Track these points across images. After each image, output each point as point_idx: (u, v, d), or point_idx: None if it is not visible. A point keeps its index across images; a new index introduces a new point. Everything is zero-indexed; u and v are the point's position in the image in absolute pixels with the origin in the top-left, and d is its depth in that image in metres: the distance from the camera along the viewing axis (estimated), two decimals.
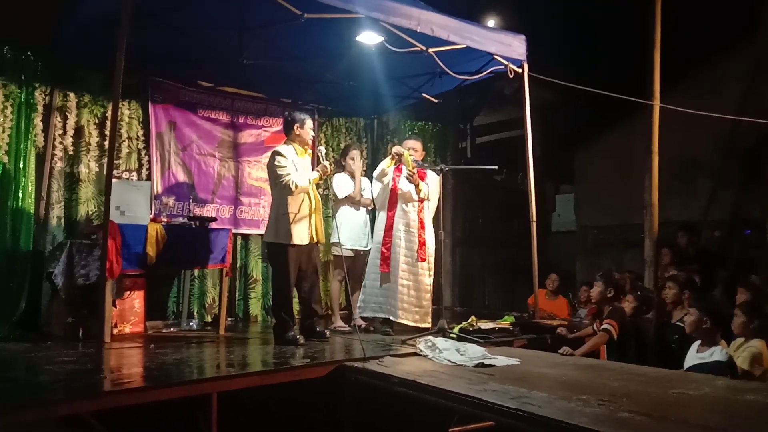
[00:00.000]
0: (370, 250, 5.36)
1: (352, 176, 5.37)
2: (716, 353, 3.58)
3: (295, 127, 4.53)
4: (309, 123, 4.58)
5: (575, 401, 2.78)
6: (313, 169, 4.60)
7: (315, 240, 4.55)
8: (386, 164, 4.97)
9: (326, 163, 4.52)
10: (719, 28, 6.53)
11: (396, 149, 4.96)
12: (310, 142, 4.63)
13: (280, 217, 4.39)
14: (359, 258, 5.42)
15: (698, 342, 3.73)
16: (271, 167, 4.44)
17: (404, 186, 4.96)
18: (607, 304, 4.52)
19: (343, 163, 5.46)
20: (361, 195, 5.38)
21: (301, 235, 4.39)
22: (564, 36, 7.31)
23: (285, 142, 4.58)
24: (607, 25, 7.04)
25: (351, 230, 5.32)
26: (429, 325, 4.78)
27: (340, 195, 5.32)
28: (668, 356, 4.33)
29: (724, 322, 3.69)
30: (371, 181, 5.36)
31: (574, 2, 7.22)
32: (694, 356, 3.71)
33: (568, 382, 3.25)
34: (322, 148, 4.68)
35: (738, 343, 3.74)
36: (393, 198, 5.00)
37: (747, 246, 6.69)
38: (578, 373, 3.53)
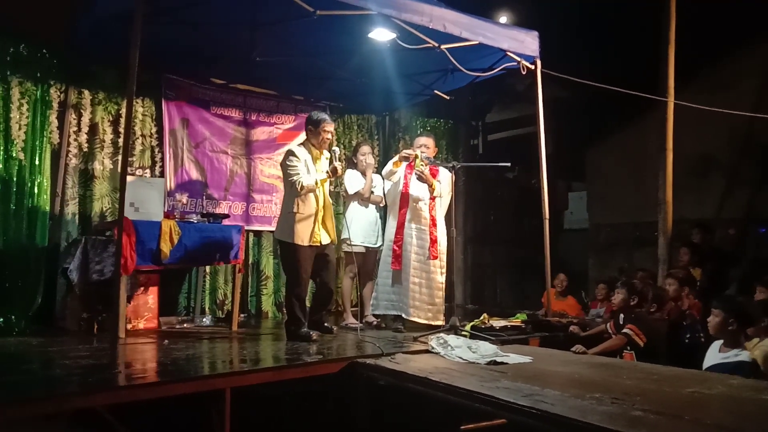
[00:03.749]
0: (379, 247, 5.37)
1: (364, 174, 5.37)
2: (741, 354, 3.52)
3: (308, 129, 4.56)
4: (327, 126, 4.54)
5: (588, 399, 2.76)
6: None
7: (319, 241, 4.48)
8: (392, 164, 4.96)
9: (337, 164, 4.47)
10: (734, 24, 6.46)
11: (405, 152, 4.92)
12: (326, 144, 4.61)
13: (287, 216, 4.44)
14: (370, 255, 5.42)
15: (719, 342, 3.68)
16: (283, 166, 4.49)
17: (415, 190, 4.94)
18: (629, 311, 4.47)
19: (355, 161, 5.46)
20: (372, 192, 5.37)
21: (303, 234, 4.39)
22: (577, 32, 7.26)
23: (302, 143, 4.62)
24: (621, 21, 6.99)
25: (361, 227, 5.33)
26: (441, 323, 4.78)
27: (350, 191, 5.33)
28: (681, 355, 4.31)
29: (750, 324, 3.64)
30: (383, 179, 5.36)
31: None
32: (715, 355, 3.66)
33: (581, 381, 3.24)
34: (337, 150, 4.60)
35: (753, 343, 3.70)
36: (404, 196, 5.00)
37: (762, 244, 6.63)
38: (591, 371, 3.51)
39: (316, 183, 4.42)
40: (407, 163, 4.95)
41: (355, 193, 5.32)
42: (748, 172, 6.76)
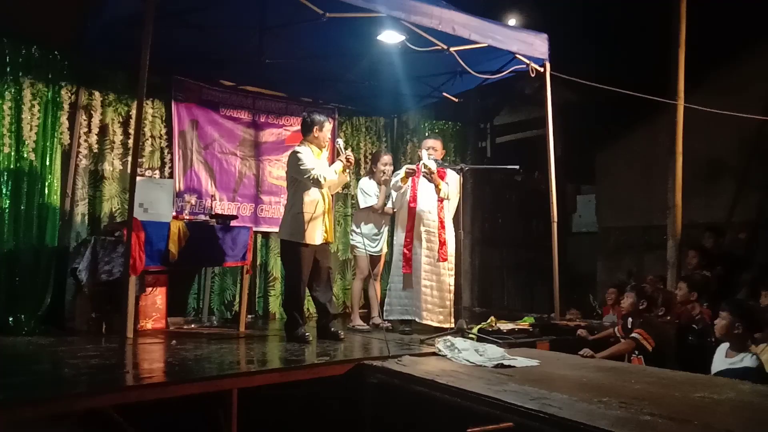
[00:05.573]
0: (384, 253, 5.36)
1: (379, 184, 5.32)
2: (746, 359, 3.49)
3: (314, 130, 4.52)
4: (327, 126, 4.57)
5: (596, 403, 2.75)
6: (329, 165, 4.59)
7: (327, 240, 4.54)
8: (400, 178, 4.94)
9: (349, 153, 4.52)
10: (744, 26, 6.41)
11: (409, 167, 4.90)
12: (326, 145, 4.65)
13: (295, 216, 4.41)
14: (376, 258, 5.41)
15: (726, 346, 3.64)
16: (294, 166, 4.44)
17: (421, 203, 4.93)
18: (638, 316, 4.44)
19: (374, 170, 5.39)
20: (385, 204, 5.34)
21: (314, 235, 4.41)
22: (586, 34, 7.23)
23: (301, 143, 4.57)
24: (630, 24, 6.96)
25: (367, 235, 5.32)
26: (451, 325, 4.76)
27: (362, 204, 5.31)
28: (690, 359, 4.27)
29: (757, 328, 3.61)
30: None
31: (597, 0, 7.14)
32: (722, 361, 3.62)
33: (589, 384, 3.22)
34: (341, 141, 4.67)
35: (761, 348, 3.67)
36: (411, 210, 4.97)
37: None
38: (599, 375, 3.49)
39: (336, 173, 4.44)
40: (413, 175, 4.94)
41: (368, 207, 5.30)
42: (759, 175, 6.69)
